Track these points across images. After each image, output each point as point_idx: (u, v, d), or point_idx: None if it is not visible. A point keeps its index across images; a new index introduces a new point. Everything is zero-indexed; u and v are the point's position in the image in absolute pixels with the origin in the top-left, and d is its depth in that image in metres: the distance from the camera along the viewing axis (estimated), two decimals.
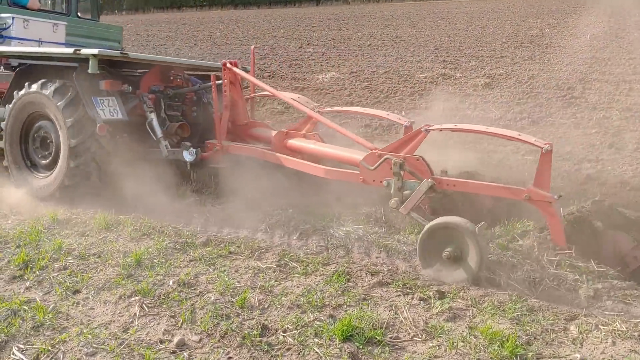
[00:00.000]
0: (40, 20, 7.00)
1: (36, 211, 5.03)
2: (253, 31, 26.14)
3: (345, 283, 3.53)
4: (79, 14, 8.19)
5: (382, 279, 3.57)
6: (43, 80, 5.29)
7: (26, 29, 6.68)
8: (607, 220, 3.96)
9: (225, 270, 3.79)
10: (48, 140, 5.43)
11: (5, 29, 6.53)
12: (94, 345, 2.85)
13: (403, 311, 3.16)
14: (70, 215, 4.81)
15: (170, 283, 3.60)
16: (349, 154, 4.73)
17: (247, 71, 5.85)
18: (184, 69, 6.05)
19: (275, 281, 3.63)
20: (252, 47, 6.05)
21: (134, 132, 5.33)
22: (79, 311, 3.29)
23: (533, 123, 8.42)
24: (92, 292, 3.51)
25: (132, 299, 3.39)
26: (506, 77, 11.96)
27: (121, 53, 5.41)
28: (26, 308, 3.26)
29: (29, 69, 5.69)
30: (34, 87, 5.30)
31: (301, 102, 5.37)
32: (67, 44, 7.07)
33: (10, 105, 5.50)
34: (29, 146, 5.60)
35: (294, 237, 4.55)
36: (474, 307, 3.19)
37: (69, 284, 3.59)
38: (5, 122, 5.57)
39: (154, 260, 3.94)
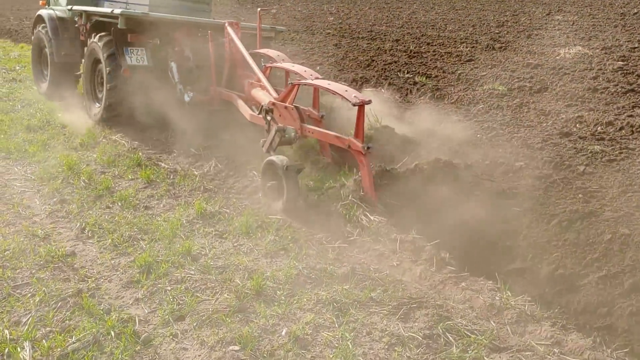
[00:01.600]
0: None
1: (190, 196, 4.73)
2: None
3: None
4: None
5: None
6: (100, 33, 6.57)
7: None
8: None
9: (354, 330, 2.85)
10: (102, 80, 6.64)
11: None
12: None
13: None
14: (219, 209, 4.34)
15: (283, 334, 2.81)
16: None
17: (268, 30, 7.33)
18: (205, 27, 6.80)
19: None
20: (259, 9, 6.51)
21: (163, 77, 6.33)
22: (170, 349, 2.70)
23: None
24: (195, 323, 2.90)
25: (230, 348, 2.69)
26: None
27: (142, 13, 6.38)
28: (117, 331, 2.78)
29: (99, 24, 6.82)
30: (95, 38, 6.61)
31: (273, 57, 5.79)
32: (152, 5, 7.89)
33: (85, 50, 6.94)
34: (95, 82, 6.98)
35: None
36: None
37: (175, 306, 3.04)
38: (83, 62, 7.05)
39: (277, 292, 3.18)
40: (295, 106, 4.59)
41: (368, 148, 3.98)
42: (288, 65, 5.15)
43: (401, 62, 10.81)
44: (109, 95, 6.35)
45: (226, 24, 6.18)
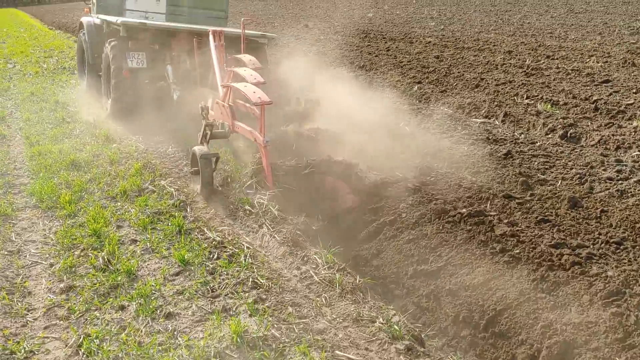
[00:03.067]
0: None
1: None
2: None
3: None
4: None
5: None
6: (111, 39, 7.22)
7: (136, 2, 8.47)
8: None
9: None
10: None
11: (124, 2, 8.47)
12: None
13: None
14: (265, 332, 2.99)
15: None
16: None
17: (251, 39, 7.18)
18: (193, 35, 7.03)
19: None
20: (242, 19, 6.47)
21: (160, 79, 7.07)
22: None
23: None
24: None
25: None
26: None
27: (140, 22, 7.02)
28: None
29: (113, 31, 7.28)
30: (107, 44, 7.32)
31: (246, 62, 5.69)
32: (168, 14, 8.58)
33: (103, 54, 7.67)
34: (110, 81, 7.41)
35: None
36: None
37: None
38: (102, 64, 7.79)
39: None
40: (229, 105, 5.13)
41: (267, 142, 4.57)
42: (240, 70, 5.30)
43: (517, 81, 9.02)
44: (114, 92, 7.19)
45: (210, 32, 6.33)
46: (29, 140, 6.69)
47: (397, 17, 22.83)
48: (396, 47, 13.77)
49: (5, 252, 3.95)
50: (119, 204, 4.76)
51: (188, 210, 4.61)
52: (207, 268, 3.64)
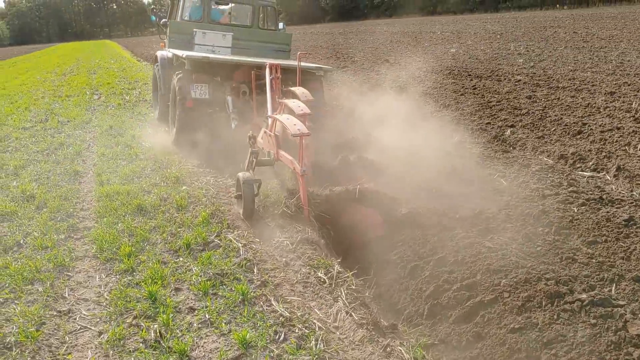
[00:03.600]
0: (213, 32, 8.95)
1: None
2: None
3: None
4: (259, 25, 9.75)
5: None
6: (178, 71, 7.61)
7: (204, 38, 8.85)
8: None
9: None
10: None
11: (193, 37, 8.84)
12: None
13: None
14: None
15: None
16: None
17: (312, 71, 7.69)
18: (252, 67, 7.38)
19: None
20: (299, 53, 6.91)
21: (221, 109, 7.40)
22: None
23: None
24: None
25: None
26: None
27: (203, 56, 7.29)
28: None
29: (182, 64, 7.63)
30: (174, 76, 7.71)
31: (298, 94, 6.20)
32: (234, 47, 8.96)
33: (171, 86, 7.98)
34: (176, 110, 7.77)
35: None
36: None
37: None
38: (170, 94, 8.14)
39: None
40: (275, 134, 5.34)
41: (304, 171, 4.74)
42: (290, 102, 5.56)
43: (626, 127, 8.01)
44: (178, 121, 7.55)
45: (267, 65, 6.70)
46: (100, 178, 6.50)
47: (481, 52, 21.93)
48: (483, 85, 12.96)
49: (55, 313, 3.59)
50: (180, 259, 4.32)
51: (255, 271, 4.10)
52: (272, 355, 3.07)
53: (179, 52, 7.80)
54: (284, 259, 4.32)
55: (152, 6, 62.56)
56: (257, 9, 9.56)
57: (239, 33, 9.18)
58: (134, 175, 6.64)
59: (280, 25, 9.90)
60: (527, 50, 21.19)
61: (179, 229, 4.90)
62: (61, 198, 5.77)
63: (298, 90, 6.31)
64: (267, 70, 6.53)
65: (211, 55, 7.62)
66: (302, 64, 7.29)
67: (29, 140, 8.93)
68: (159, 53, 9.37)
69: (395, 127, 6.87)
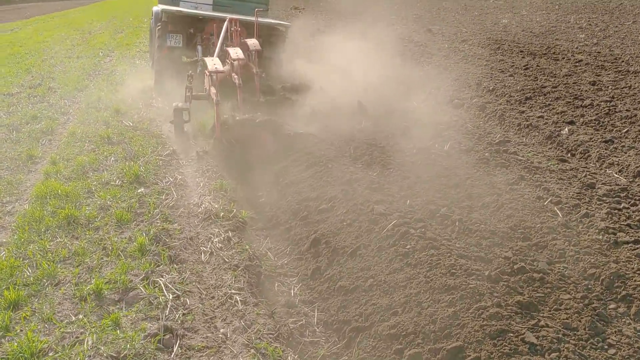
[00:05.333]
0: None
1: None
2: None
3: None
4: None
5: None
6: (158, 23, 8.58)
7: None
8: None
9: None
10: None
11: None
12: None
13: None
14: None
15: None
16: None
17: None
18: (217, 21, 8.33)
19: None
20: (256, 9, 7.98)
21: (193, 56, 8.43)
22: None
23: None
24: None
25: None
26: None
27: (177, 9, 8.41)
28: None
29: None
30: (155, 27, 8.85)
31: (249, 44, 7.27)
32: (215, 5, 9.71)
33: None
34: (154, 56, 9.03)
35: None
36: None
37: None
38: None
39: None
40: (209, 74, 6.40)
41: (217, 101, 5.89)
42: (230, 49, 6.79)
43: None
44: (156, 65, 8.56)
45: (227, 19, 7.58)
46: (52, 168, 5.30)
47: (537, 24, 19.66)
48: (537, 65, 11.09)
49: None
50: (79, 317, 3.02)
51: (173, 354, 2.77)
52: None
53: (160, 7, 8.77)
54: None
55: None
56: None
57: None
58: (90, 167, 5.39)
59: None
60: (589, 24, 18.86)
61: (102, 260, 3.60)
62: None
63: (250, 41, 7.37)
64: (226, 24, 7.61)
65: (184, 10, 8.58)
66: (267, 20, 8.98)
67: (5, 110, 7.81)
68: (154, 8, 9.94)
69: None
